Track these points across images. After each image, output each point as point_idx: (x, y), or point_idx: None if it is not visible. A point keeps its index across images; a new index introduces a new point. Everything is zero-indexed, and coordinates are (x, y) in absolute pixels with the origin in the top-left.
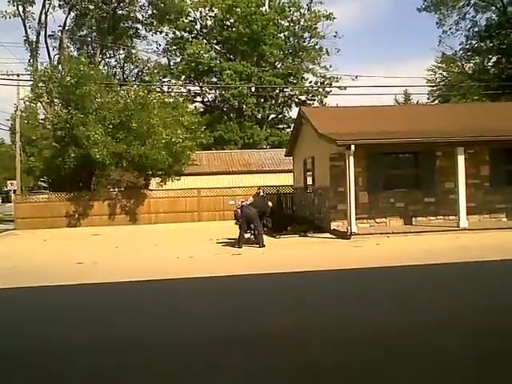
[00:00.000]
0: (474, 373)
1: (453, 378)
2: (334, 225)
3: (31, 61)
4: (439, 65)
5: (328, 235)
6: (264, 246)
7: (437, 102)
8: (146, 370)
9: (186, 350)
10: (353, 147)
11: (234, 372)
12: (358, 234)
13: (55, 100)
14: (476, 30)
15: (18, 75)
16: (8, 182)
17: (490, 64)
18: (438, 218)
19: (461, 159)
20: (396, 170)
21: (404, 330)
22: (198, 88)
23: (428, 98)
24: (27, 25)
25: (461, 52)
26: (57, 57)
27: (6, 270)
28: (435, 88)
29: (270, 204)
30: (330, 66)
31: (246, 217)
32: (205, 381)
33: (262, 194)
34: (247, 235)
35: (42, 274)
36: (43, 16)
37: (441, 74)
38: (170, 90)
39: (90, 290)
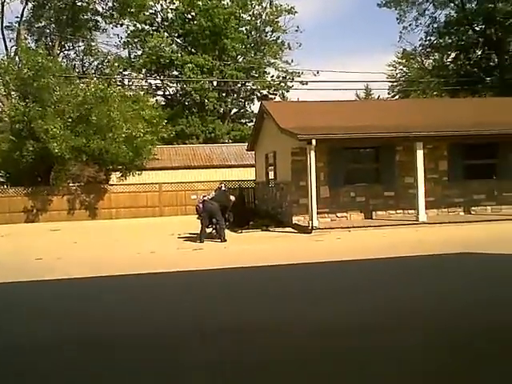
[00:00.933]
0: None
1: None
2: (295, 219)
3: None
4: (399, 60)
5: (290, 229)
6: (226, 240)
7: (397, 97)
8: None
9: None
10: (314, 142)
11: (194, 365)
12: (320, 229)
13: (12, 92)
14: (435, 26)
15: None
16: None
17: (448, 60)
18: (398, 212)
19: (420, 154)
20: (357, 164)
21: (352, 326)
22: (159, 81)
23: (389, 93)
24: None
25: (420, 48)
26: (14, 48)
27: None
28: (396, 83)
29: (231, 198)
30: (292, 61)
31: (208, 211)
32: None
33: (223, 188)
34: (209, 230)
35: None
36: (0, 6)
37: (401, 69)
38: (131, 83)
39: (48, 286)
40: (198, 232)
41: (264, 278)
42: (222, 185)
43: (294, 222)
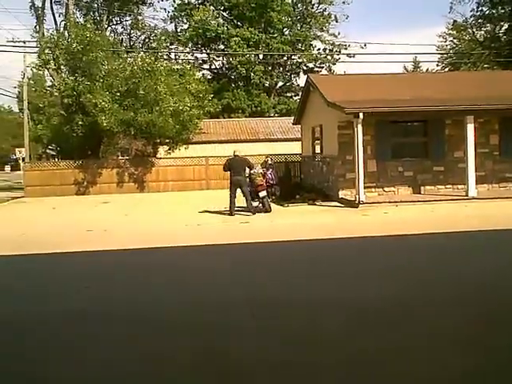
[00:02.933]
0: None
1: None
2: (342, 193)
3: (37, 27)
4: (450, 32)
5: (336, 204)
6: (254, 212)
7: (447, 69)
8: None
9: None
10: (361, 115)
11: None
12: (366, 203)
13: (62, 67)
14: None
15: (24, 42)
16: (16, 149)
17: (501, 31)
18: (447, 186)
19: (470, 128)
20: (405, 138)
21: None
22: (206, 55)
23: (438, 66)
24: None
25: (472, 19)
26: (63, 23)
27: (14, 238)
28: (445, 56)
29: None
30: (339, 33)
31: (235, 184)
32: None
33: (270, 162)
34: (255, 203)
35: (51, 241)
36: None
37: (451, 41)
38: (177, 57)
39: (99, 257)
40: (245, 205)
41: (314, 253)
42: (269, 159)
43: (340, 197)
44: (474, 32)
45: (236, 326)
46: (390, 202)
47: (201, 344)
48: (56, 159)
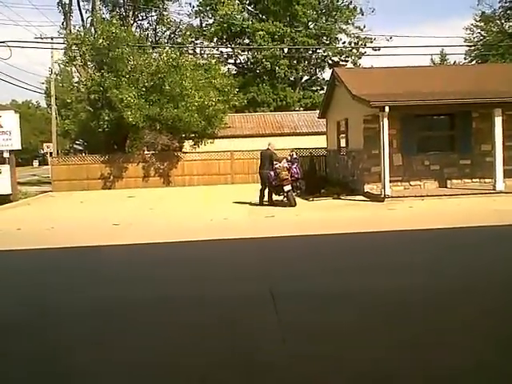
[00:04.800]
0: None
1: None
2: (367, 187)
3: (64, 24)
4: (477, 24)
5: (362, 198)
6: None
7: (474, 62)
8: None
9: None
10: (387, 109)
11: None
12: (392, 197)
13: (88, 63)
14: None
15: (51, 38)
16: (44, 144)
17: None
18: (474, 180)
19: (498, 121)
20: (431, 132)
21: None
22: (231, 50)
23: (465, 58)
24: None
25: (500, 10)
26: (89, 20)
27: (44, 231)
28: (473, 48)
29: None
30: (364, 27)
31: (263, 177)
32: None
33: (294, 156)
34: (280, 197)
35: (78, 234)
36: None
37: (479, 33)
38: (202, 52)
39: (124, 250)
40: (268, 200)
41: (340, 246)
42: (293, 153)
43: (365, 191)
44: (502, 23)
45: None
46: (416, 196)
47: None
48: (83, 154)
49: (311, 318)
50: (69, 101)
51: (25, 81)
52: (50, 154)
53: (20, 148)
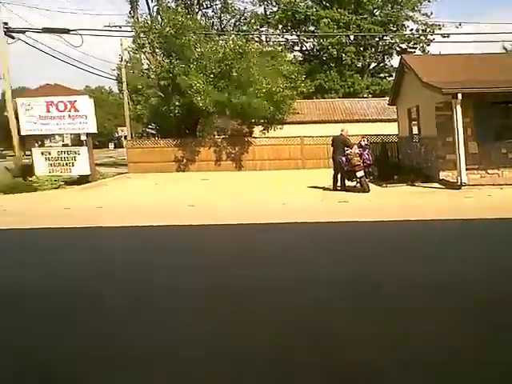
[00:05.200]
0: None
1: None
2: (442, 175)
3: (131, 12)
4: None
5: (436, 185)
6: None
7: None
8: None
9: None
10: (459, 96)
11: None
12: (469, 185)
13: (157, 50)
14: None
15: (120, 27)
16: (119, 128)
17: None
18: None
19: None
20: (507, 119)
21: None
22: (296, 37)
23: None
24: None
25: None
26: (155, 8)
27: (126, 209)
28: None
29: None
30: (431, 13)
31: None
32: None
33: (366, 142)
34: (353, 183)
35: (158, 214)
36: None
37: None
38: (268, 39)
39: (200, 231)
40: (340, 185)
41: (417, 233)
42: (364, 139)
43: (441, 178)
44: None
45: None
46: (493, 185)
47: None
48: (155, 137)
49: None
50: (139, 86)
51: (97, 68)
52: (125, 137)
53: (96, 131)
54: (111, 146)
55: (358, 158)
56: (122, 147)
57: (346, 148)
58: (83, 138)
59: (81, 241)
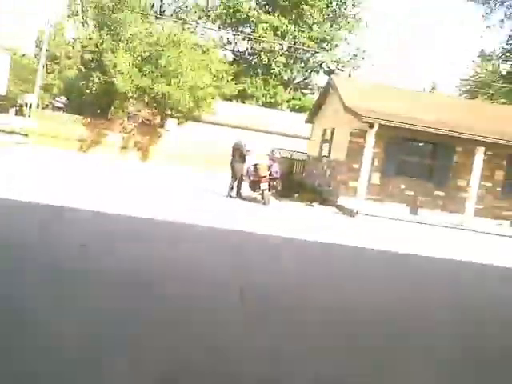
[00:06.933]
0: None
1: None
2: (340, 200)
3: None
4: (475, 60)
5: (334, 209)
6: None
7: (464, 96)
8: None
9: None
10: (376, 126)
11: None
12: (364, 214)
13: (89, 21)
14: None
15: None
16: (26, 94)
17: None
18: (444, 213)
19: (479, 159)
20: (413, 157)
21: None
22: (231, 36)
23: (459, 90)
24: None
25: (500, 51)
26: None
27: None
28: (465, 82)
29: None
30: (366, 40)
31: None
32: None
33: (277, 155)
34: (255, 194)
35: None
36: None
37: (474, 69)
38: (204, 32)
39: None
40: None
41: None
42: (276, 151)
43: (338, 203)
44: (498, 64)
45: None
46: (385, 218)
47: None
48: (62, 112)
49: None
50: (58, 54)
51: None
52: (30, 105)
53: (4, 93)
54: (11, 111)
55: (266, 170)
56: (23, 115)
57: (241, 156)
58: None
59: None
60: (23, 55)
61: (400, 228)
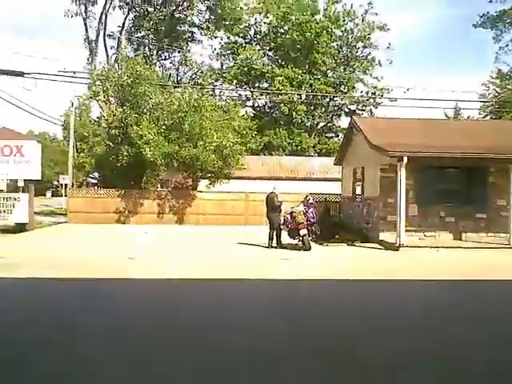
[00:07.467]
0: None
1: None
2: (382, 236)
3: (89, 59)
4: (493, 80)
5: (376, 245)
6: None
7: (488, 117)
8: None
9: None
10: (405, 159)
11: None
12: (407, 247)
13: (111, 99)
14: None
15: (74, 72)
16: (61, 176)
17: None
18: (489, 234)
19: None
20: (447, 184)
21: None
22: (249, 93)
23: (479, 113)
24: (87, 24)
25: None
26: (114, 56)
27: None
28: (487, 104)
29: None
30: (382, 78)
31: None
32: None
33: (310, 200)
34: (295, 241)
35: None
36: (103, 16)
37: (494, 89)
38: (222, 93)
39: (144, 284)
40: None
41: (351, 294)
42: (310, 197)
43: (380, 239)
44: None
45: None
46: (431, 247)
47: None
48: (96, 187)
49: None
50: (86, 134)
51: (43, 112)
52: (65, 185)
53: (39, 178)
54: (49, 194)
55: (303, 216)
56: (60, 196)
57: (278, 204)
58: (20, 184)
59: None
60: (53, 139)
61: (446, 255)
